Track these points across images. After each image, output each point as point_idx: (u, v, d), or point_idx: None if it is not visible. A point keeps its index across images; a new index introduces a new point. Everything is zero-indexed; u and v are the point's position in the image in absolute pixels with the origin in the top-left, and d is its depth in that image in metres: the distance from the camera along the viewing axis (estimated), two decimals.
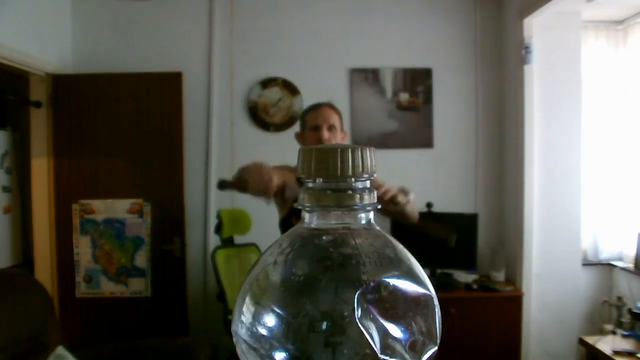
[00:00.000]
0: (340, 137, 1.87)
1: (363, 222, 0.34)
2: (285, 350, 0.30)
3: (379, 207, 0.34)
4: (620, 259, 3.15)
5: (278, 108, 3.27)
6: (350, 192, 0.33)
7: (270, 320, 0.30)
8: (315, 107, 1.91)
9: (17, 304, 2.04)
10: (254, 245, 2.92)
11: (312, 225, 0.34)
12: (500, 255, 3.17)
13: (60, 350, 2.05)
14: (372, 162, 0.33)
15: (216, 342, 2.76)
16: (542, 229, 3.01)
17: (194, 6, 3.26)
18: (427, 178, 3.30)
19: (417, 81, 3.32)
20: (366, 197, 0.33)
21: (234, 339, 0.33)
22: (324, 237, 0.33)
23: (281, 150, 3.28)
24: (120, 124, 3.02)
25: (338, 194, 0.33)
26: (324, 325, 0.30)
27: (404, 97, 3.32)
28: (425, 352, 0.31)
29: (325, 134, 1.81)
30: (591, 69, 3.14)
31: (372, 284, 0.30)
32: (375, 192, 0.34)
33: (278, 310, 0.30)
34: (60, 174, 3.00)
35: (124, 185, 3.02)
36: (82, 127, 3.01)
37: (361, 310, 0.29)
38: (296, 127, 3.23)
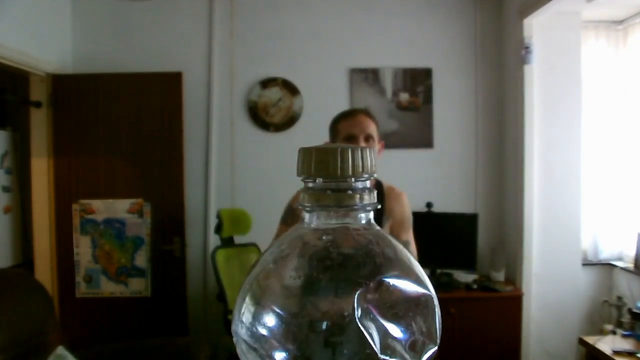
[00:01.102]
0: (377, 149, 1.64)
1: (363, 222, 0.34)
2: (285, 350, 0.30)
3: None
4: (620, 259, 3.15)
5: (278, 108, 3.27)
6: (350, 192, 0.33)
7: (270, 320, 0.30)
8: (350, 115, 1.68)
9: (17, 304, 2.04)
10: (254, 245, 2.93)
11: (312, 225, 0.34)
12: (500, 255, 3.17)
13: (60, 350, 2.05)
14: (372, 162, 0.33)
15: (216, 342, 2.76)
16: (542, 229, 3.01)
17: (194, 6, 3.26)
18: (427, 178, 3.30)
19: (417, 81, 3.32)
20: (366, 197, 0.33)
21: (234, 339, 0.33)
22: (324, 237, 0.33)
23: (281, 151, 3.31)
24: (120, 124, 3.02)
25: (338, 194, 0.33)
26: (324, 325, 0.30)
27: (404, 97, 3.32)
28: (425, 352, 0.31)
29: (363, 145, 1.53)
30: (591, 69, 3.14)
31: (372, 284, 0.30)
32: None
33: (278, 310, 0.30)
34: (60, 174, 3.00)
35: (124, 185, 3.02)
36: (82, 127, 3.01)
37: (361, 310, 0.29)
38: (296, 127, 3.26)
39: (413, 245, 1.74)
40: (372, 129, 1.63)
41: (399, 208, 1.72)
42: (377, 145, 1.65)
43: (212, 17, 3.25)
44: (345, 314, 0.30)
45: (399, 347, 0.30)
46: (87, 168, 3.01)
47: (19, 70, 2.74)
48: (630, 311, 2.69)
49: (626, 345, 2.43)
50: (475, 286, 3.01)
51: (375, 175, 0.34)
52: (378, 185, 1.72)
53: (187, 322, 3.04)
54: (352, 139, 1.60)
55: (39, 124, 2.98)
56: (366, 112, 1.71)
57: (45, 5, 2.97)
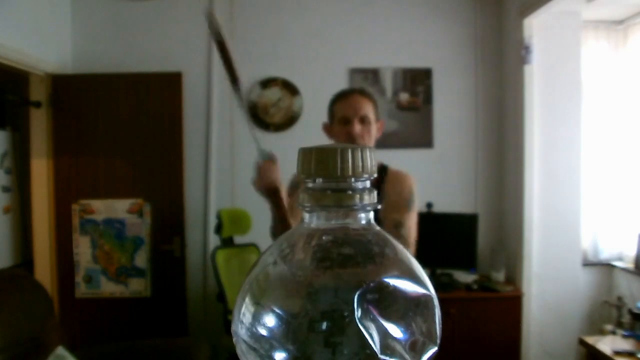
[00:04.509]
0: (375, 129, 1.59)
1: (363, 222, 0.34)
2: (285, 350, 0.30)
3: None
4: (620, 259, 3.15)
5: (278, 108, 3.27)
6: (350, 192, 0.33)
7: (270, 320, 0.30)
8: (344, 95, 1.62)
9: (17, 304, 2.04)
10: (254, 245, 2.93)
11: (312, 225, 0.34)
12: (500, 255, 3.17)
13: (60, 350, 2.05)
14: (372, 162, 0.33)
15: (216, 342, 2.76)
16: (542, 229, 3.01)
17: (194, 6, 3.26)
18: (427, 178, 3.29)
19: (417, 81, 3.32)
20: (366, 197, 0.33)
21: (234, 339, 0.33)
22: (324, 237, 0.33)
23: (281, 151, 3.30)
24: (120, 124, 3.02)
25: (338, 194, 0.33)
26: (324, 325, 0.30)
27: (404, 97, 3.32)
28: (425, 353, 0.31)
29: (357, 128, 1.53)
30: (591, 69, 3.14)
31: (372, 284, 0.30)
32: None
33: (278, 310, 0.30)
34: (60, 174, 3.00)
35: (124, 185, 3.02)
36: (82, 127, 3.01)
37: (361, 310, 0.29)
38: (296, 127, 3.26)
39: (409, 228, 1.58)
40: (368, 109, 1.57)
41: (396, 189, 1.60)
42: (374, 126, 1.60)
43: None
44: (345, 314, 0.29)
45: (399, 348, 0.30)
46: (87, 168, 3.01)
47: (19, 70, 2.74)
48: (630, 311, 2.69)
49: (626, 345, 2.43)
50: (475, 286, 3.01)
51: (375, 175, 0.34)
52: (382, 169, 1.64)
53: (187, 323, 3.04)
54: (346, 121, 1.56)
55: (39, 124, 2.98)
56: (361, 92, 1.64)
57: (45, 5, 2.97)
